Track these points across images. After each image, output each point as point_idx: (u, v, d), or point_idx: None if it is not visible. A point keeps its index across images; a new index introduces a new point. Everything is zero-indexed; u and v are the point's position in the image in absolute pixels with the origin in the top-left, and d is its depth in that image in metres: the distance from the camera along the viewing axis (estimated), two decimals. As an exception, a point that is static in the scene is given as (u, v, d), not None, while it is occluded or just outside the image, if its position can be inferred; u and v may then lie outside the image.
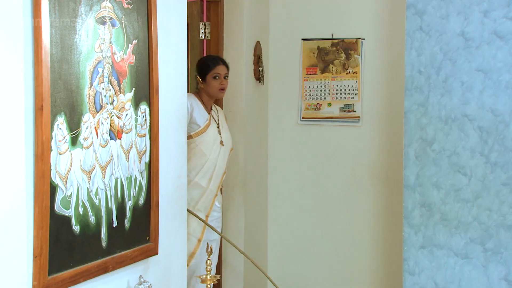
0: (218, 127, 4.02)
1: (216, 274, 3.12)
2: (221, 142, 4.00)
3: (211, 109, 4.04)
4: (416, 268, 3.63)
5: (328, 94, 4.71)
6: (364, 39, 4.58)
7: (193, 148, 3.98)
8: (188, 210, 3.63)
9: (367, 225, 4.60)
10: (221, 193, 4.20)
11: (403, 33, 3.72)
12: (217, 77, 3.99)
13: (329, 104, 4.71)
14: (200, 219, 3.87)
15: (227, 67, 4.09)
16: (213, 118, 4.03)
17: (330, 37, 4.67)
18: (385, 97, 4.54)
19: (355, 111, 4.66)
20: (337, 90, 4.69)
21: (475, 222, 3.53)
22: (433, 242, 3.60)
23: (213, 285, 3.01)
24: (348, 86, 4.67)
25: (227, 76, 4.05)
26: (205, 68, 4.04)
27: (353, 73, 4.64)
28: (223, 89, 4.03)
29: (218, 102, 4.33)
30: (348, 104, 4.70)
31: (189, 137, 3.90)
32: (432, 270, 3.60)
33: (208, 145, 3.97)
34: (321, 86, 4.73)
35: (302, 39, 4.73)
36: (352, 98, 4.68)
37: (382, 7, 4.51)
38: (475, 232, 3.53)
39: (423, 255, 3.62)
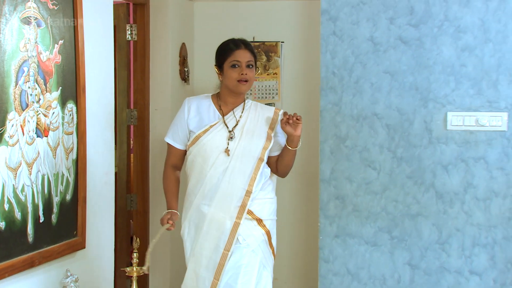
0: (230, 131, 2.97)
1: (142, 266, 3.03)
2: (227, 151, 2.94)
3: (233, 108, 3.04)
4: (331, 256, 3.69)
5: (251, 93, 4.72)
6: (283, 42, 4.62)
7: (192, 161, 3.03)
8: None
9: (286, 217, 4.64)
10: (260, 224, 2.99)
11: (318, 37, 3.77)
12: (236, 66, 2.97)
13: (251, 103, 4.74)
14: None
15: (252, 52, 3.05)
16: (225, 122, 3.00)
17: (252, 40, 4.69)
18: (302, 96, 4.59)
19: (275, 110, 4.70)
20: (259, 90, 4.72)
21: (383, 213, 3.61)
22: (346, 232, 3.67)
23: (139, 276, 2.96)
24: (269, 86, 4.70)
25: (252, 65, 3.01)
26: (221, 55, 3.06)
27: (273, 74, 4.68)
28: (245, 81, 2.97)
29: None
30: (269, 103, 4.73)
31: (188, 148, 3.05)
32: (345, 257, 3.67)
33: (206, 156, 2.96)
34: (243, 86, 4.75)
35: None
36: (273, 97, 4.71)
37: (299, 13, 4.56)
38: (383, 221, 3.62)
39: (337, 244, 3.68)
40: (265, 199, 3.02)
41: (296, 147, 3.01)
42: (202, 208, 2.95)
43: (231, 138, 2.96)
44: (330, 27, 3.63)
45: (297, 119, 2.94)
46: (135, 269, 2.87)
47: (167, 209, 3.06)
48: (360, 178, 3.65)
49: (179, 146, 3.07)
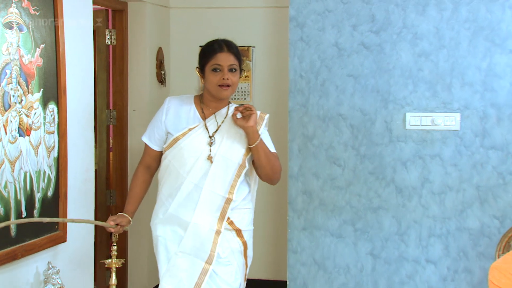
0: (211, 136, 2.65)
1: (121, 258, 3.00)
2: (210, 158, 2.62)
3: (215, 112, 2.72)
4: (299, 247, 3.71)
5: (224, 95, 4.75)
6: (254, 47, 4.64)
7: (167, 166, 2.70)
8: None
9: (257, 211, 4.65)
10: (239, 235, 2.73)
11: (287, 42, 3.79)
12: (217, 70, 2.63)
13: (224, 104, 4.75)
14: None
15: (236, 55, 2.70)
16: (206, 126, 2.68)
17: (225, 45, 4.70)
18: (272, 98, 4.62)
19: (247, 111, 4.72)
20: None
21: (348, 206, 3.65)
22: (313, 224, 3.70)
23: (118, 268, 2.96)
24: (241, 88, 4.72)
25: (236, 69, 2.67)
26: (203, 57, 2.72)
27: (245, 77, 4.70)
28: (226, 86, 2.63)
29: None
30: (241, 104, 4.74)
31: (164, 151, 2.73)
32: (312, 248, 3.70)
33: (183, 161, 2.63)
34: (217, 88, 4.75)
35: (199, 46, 4.72)
36: (245, 99, 4.73)
37: (269, 20, 4.59)
38: (348, 214, 3.65)
39: (304, 236, 3.71)
40: (245, 209, 2.76)
41: (254, 143, 2.63)
42: (181, 216, 2.62)
43: (212, 143, 2.64)
44: (298, 33, 3.65)
45: (246, 109, 2.60)
46: (114, 261, 2.87)
47: (123, 211, 2.77)
48: (326, 174, 3.68)
49: (154, 146, 2.77)
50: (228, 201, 2.64)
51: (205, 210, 2.62)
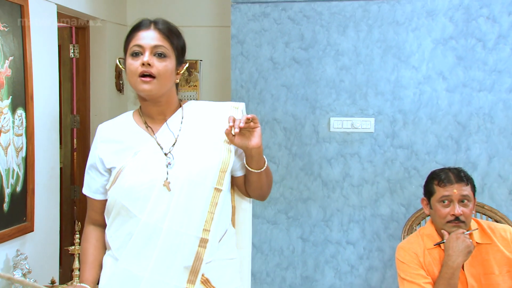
0: (167, 153, 1.70)
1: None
2: (166, 184, 1.65)
3: (166, 121, 1.77)
4: (240, 233, 3.77)
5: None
6: (201, 60, 4.71)
7: (112, 204, 1.73)
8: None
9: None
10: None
11: (229, 57, 3.85)
12: (138, 54, 1.69)
13: (176, 110, 4.78)
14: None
15: (167, 34, 1.73)
16: (158, 142, 1.73)
17: (176, 58, 4.74)
18: (218, 105, 4.68)
19: (196, 116, 4.77)
20: (182, 99, 4.77)
21: (282, 198, 3.72)
22: (252, 213, 3.63)
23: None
24: (190, 96, 4.77)
25: (164, 54, 1.71)
26: (125, 42, 1.77)
27: (193, 86, 4.76)
28: (149, 77, 1.68)
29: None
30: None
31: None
32: (251, 234, 3.75)
33: (134, 194, 1.67)
34: (170, 96, 4.78)
35: (154, 59, 4.76)
36: (195, 105, 4.80)
37: (215, 37, 4.66)
38: (281, 205, 3.72)
39: (245, 223, 3.77)
40: (226, 260, 1.78)
41: (260, 168, 1.71)
42: (135, 270, 1.64)
43: (169, 164, 1.68)
44: (239, 49, 3.72)
45: (249, 120, 1.63)
46: (77, 248, 2.89)
47: (79, 281, 1.77)
48: (263, 170, 3.74)
49: (97, 195, 1.81)
50: (203, 242, 1.65)
51: (168, 260, 1.63)
